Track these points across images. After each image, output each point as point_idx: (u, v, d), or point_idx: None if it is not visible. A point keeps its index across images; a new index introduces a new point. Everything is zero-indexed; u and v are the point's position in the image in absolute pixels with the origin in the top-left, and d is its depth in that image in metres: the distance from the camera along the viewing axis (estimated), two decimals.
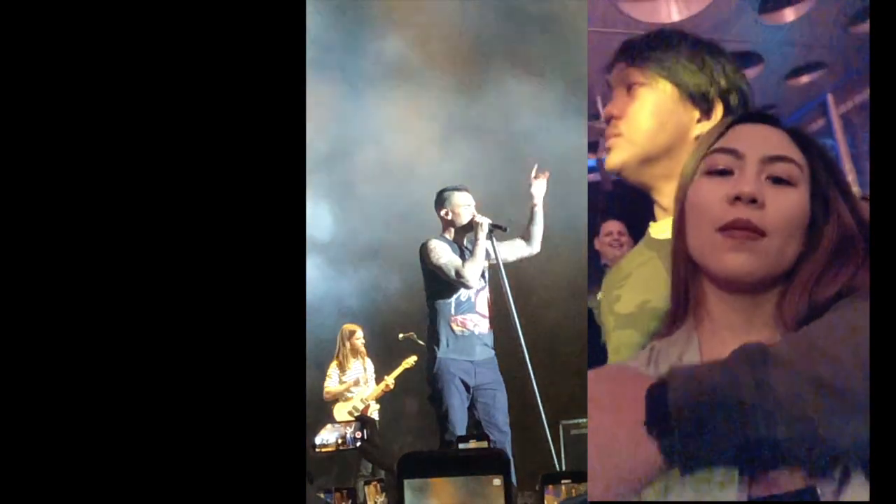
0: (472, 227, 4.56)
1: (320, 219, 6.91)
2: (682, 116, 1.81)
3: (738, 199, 1.28)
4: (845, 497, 1.08)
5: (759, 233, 1.26)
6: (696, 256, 1.32)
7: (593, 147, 5.43)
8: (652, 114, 1.82)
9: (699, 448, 1.09)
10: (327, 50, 6.67)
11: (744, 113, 1.44)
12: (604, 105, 5.01)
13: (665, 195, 1.83)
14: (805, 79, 5.35)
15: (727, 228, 1.27)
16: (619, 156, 1.85)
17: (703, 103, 1.80)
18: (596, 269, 5.02)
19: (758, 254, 1.26)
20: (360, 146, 7.07)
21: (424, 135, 6.95)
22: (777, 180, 1.30)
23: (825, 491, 1.08)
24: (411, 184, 6.48)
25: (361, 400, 6.26)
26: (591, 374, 1.28)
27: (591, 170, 5.51)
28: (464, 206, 4.59)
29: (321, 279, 6.93)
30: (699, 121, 1.80)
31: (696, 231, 1.32)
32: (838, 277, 1.24)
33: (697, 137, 1.77)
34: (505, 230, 4.61)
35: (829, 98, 5.63)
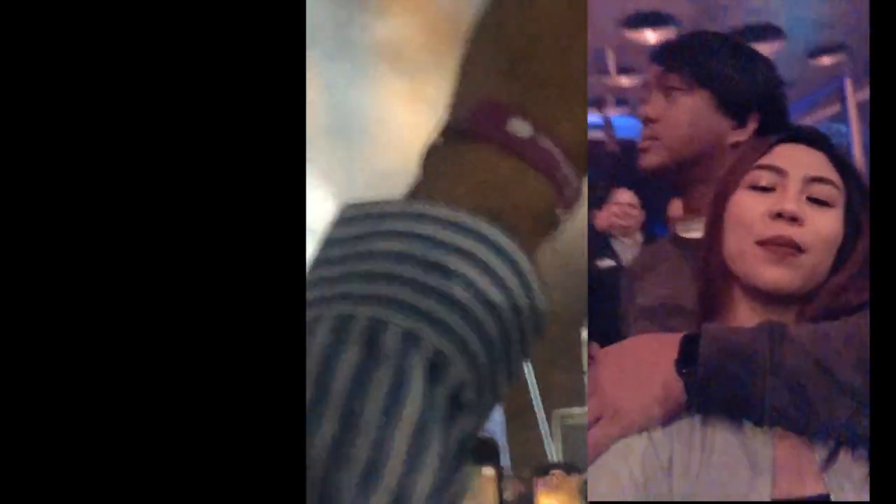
0: None
1: (318, 204, 6.91)
2: (718, 125, 1.81)
3: (779, 215, 1.33)
4: (834, 465, 1.21)
5: (797, 249, 1.32)
6: (732, 265, 1.38)
7: (597, 103, 5.28)
8: (689, 122, 1.83)
9: (714, 392, 1.24)
10: (322, 30, 6.68)
11: (787, 132, 1.45)
12: (615, 61, 4.88)
13: (695, 197, 1.84)
14: (826, 60, 5.18)
15: (767, 243, 1.33)
16: (654, 159, 1.85)
17: (739, 111, 1.81)
18: (598, 242, 4.95)
19: (794, 268, 1.33)
20: (361, 129, 7.07)
21: (426, 117, 6.94)
22: (816, 200, 1.35)
23: (819, 455, 1.21)
24: (411, 168, 6.49)
25: None
26: (624, 341, 1.39)
27: (594, 127, 5.32)
28: None
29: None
30: (734, 129, 1.80)
31: (734, 241, 1.38)
32: (858, 294, 1.33)
33: (734, 145, 1.79)
34: None
35: (848, 83, 5.51)
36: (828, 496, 1.19)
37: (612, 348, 1.36)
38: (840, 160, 1.42)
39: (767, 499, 1.20)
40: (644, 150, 1.87)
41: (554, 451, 4.94)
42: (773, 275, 1.33)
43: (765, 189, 1.36)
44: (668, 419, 1.26)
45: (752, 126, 1.80)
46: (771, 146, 1.42)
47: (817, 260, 1.33)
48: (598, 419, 1.26)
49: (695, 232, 1.74)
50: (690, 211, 1.87)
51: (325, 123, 6.89)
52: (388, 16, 7.04)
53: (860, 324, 1.28)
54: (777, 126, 1.82)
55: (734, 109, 1.81)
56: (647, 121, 1.86)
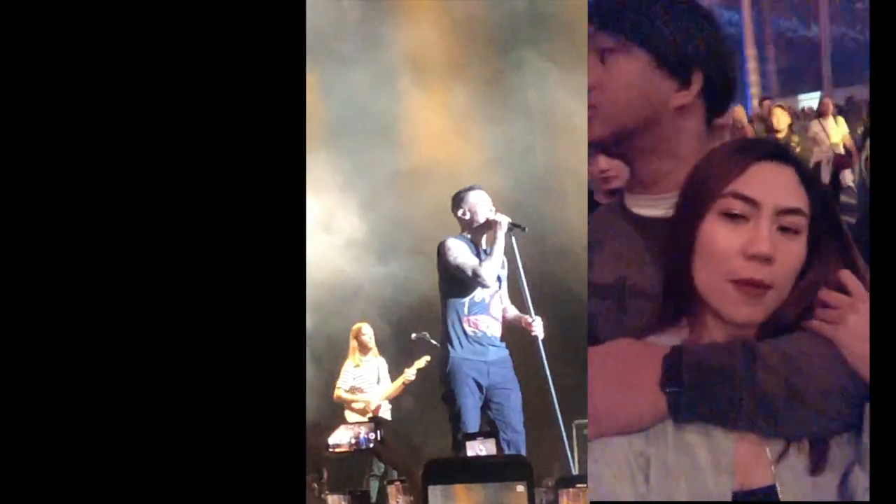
0: (490, 225, 4.56)
1: (350, 213, 6.95)
2: (659, 87, 1.71)
3: (754, 256, 1.42)
4: (785, 460, 1.42)
5: (767, 287, 1.44)
6: (704, 294, 1.47)
7: None
8: (628, 85, 1.72)
9: (695, 406, 1.39)
10: (344, 37, 6.72)
11: (761, 150, 1.49)
12: None
13: (645, 171, 1.78)
14: None
15: (741, 283, 1.43)
16: (596, 130, 1.76)
17: (681, 72, 1.71)
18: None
19: (763, 305, 1.45)
20: (388, 137, 7.07)
21: (454, 126, 6.94)
22: (785, 229, 1.44)
23: (771, 452, 1.42)
24: (438, 175, 6.48)
25: (379, 398, 6.27)
26: (609, 344, 1.50)
27: None
28: (480, 205, 4.58)
29: (351, 272, 6.96)
30: (677, 91, 1.72)
31: (707, 272, 1.46)
32: (804, 310, 1.46)
33: (679, 108, 1.72)
34: (524, 230, 4.60)
35: None
36: (775, 486, 1.40)
37: (598, 350, 1.47)
38: (809, 179, 1.48)
39: (728, 490, 1.39)
40: (589, 120, 1.76)
41: (574, 461, 4.92)
42: (743, 313, 1.44)
43: (735, 217, 1.44)
44: (649, 427, 1.41)
45: (696, 86, 1.72)
46: (742, 169, 1.46)
47: (781, 291, 1.45)
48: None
49: (647, 209, 1.77)
50: (640, 184, 1.80)
51: (346, 125, 6.89)
52: (409, 25, 7.06)
53: (818, 344, 1.42)
54: (724, 86, 1.76)
55: (676, 69, 1.71)
56: (587, 88, 1.75)
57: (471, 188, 4.66)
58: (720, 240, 1.44)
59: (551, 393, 4.52)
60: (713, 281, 1.45)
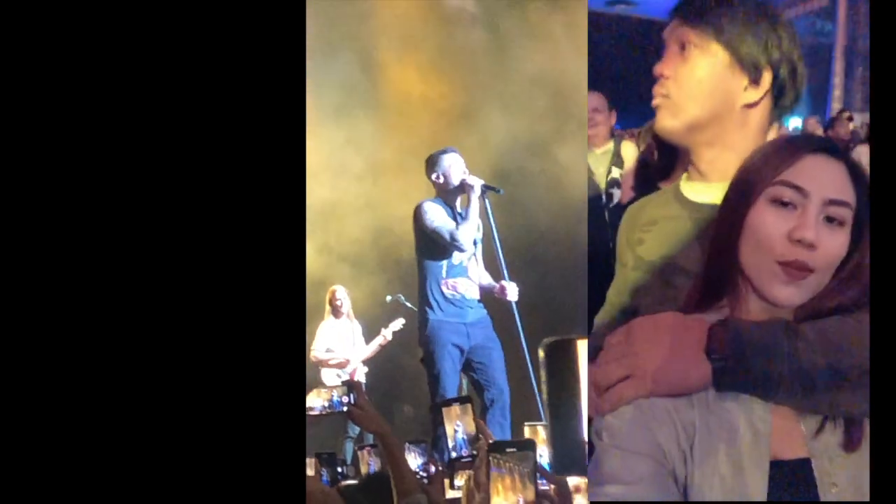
0: (463, 188, 4.55)
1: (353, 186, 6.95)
2: (730, 83, 1.85)
3: (799, 241, 1.46)
4: (820, 436, 1.46)
5: (809, 270, 1.47)
6: (748, 272, 1.52)
7: None
8: (702, 80, 1.86)
9: (738, 377, 1.44)
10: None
11: (813, 144, 1.53)
12: None
13: (704, 161, 1.90)
14: None
15: (785, 265, 1.47)
16: (668, 121, 1.90)
17: (752, 71, 1.84)
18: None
19: (804, 287, 1.48)
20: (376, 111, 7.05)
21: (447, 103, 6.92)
22: (830, 219, 1.48)
23: (807, 426, 1.47)
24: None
25: (354, 360, 6.29)
26: (657, 315, 1.55)
27: None
28: (454, 167, 4.56)
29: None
30: (746, 88, 1.85)
31: (753, 253, 1.51)
32: (846, 294, 1.49)
33: (746, 106, 1.84)
34: (498, 191, 4.60)
35: None
36: (809, 460, 1.45)
37: (646, 319, 1.54)
38: (857, 172, 1.52)
39: (767, 458, 1.44)
40: (657, 108, 1.92)
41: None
42: (785, 293, 1.48)
43: (785, 204, 1.48)
44: (693, 392, 1.47)
45: (765, 85, 1.85)
46: (795, 159, 1.50)
47: (822, 278, 1.48)
48: (626, 377, 1.47)
49: (700, 195, 1.89)
50: (698, 173, 1.93)
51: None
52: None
53: (858, 326, 1.46)
54: (792, 90, 1.90)
55: (748, 67, 1.85)
56: (661, 76, 1.91)
57: (445, 151, 4.64)
58: (768, 223, 1.49)
59: (526, 359, 4.54)
60: (759, 261, 1.50)
